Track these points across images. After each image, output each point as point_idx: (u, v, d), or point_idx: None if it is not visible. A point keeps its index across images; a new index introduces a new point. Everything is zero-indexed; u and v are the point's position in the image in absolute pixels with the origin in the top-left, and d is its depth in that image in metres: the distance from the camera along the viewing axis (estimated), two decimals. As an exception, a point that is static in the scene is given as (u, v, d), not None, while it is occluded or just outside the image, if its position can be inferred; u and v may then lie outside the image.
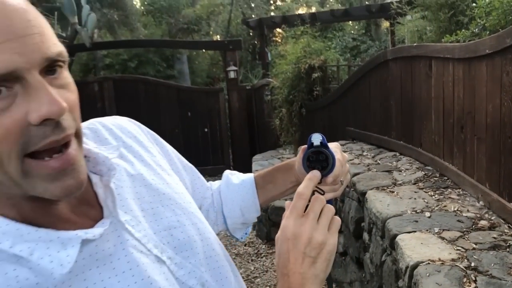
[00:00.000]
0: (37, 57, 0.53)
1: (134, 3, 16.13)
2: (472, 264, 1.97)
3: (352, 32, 15.95)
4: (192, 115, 8.71)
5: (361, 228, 3.23)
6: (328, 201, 0.77)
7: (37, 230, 0.58)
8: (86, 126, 0.79)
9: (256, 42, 13.63)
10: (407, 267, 2.08)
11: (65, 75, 0.59)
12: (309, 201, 0.73)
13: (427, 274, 1.94)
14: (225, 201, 1.04)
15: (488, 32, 3.03)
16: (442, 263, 2.01)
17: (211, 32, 15.05)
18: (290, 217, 0.71)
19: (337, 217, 0.73)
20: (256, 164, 6.54)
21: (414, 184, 3.13)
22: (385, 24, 13.23)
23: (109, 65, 12.66)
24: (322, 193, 0.78)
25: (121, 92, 8.63)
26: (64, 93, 0.57)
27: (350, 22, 15.31)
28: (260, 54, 10.49)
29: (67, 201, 0.63)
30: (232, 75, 8.64)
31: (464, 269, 1.94)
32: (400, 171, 3.47)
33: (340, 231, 3.74)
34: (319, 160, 0.80)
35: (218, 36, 15.27)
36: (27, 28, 0.53)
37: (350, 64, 5.76)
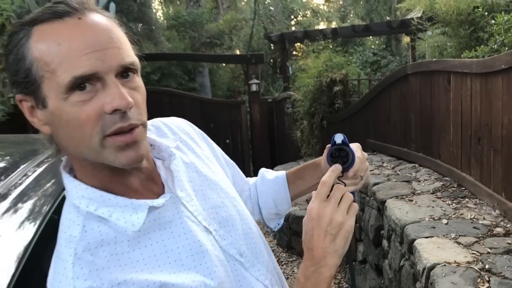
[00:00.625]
0: (114, 64, 0.71)
1: (158, 17, 16.59)
2: (486, 267, 2.09)
3: (373, 47, 16.08)
4: (214, 127, 8.94)
5: (380, 235, 3.35)
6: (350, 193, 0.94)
7: (115, 197, 0.76)
8: (151, 123, 0.97)
9: (277, 56, 13.87)
10: (424, 269, 2.21)
11: (136, 80, 0.77)
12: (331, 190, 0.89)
13: (443, 275, 2.07)
14: (261, 194, 1.21)
15: (506, 48, 3.16)
16: (457, 265, 2.14)
17: (233, 46, 15.34)
18: (315, 201, 0.86)
19: (355, 204, 0.88)
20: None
21: (433, 193, 3.25)
22: (406, 39, 13.33)
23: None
24: (344, 184, 0.94)
25: (147, 103, 8.90)
26: (133, 93, 0.75)
27: (371, 37, 15.44)
28: (281, 67, 10.71)
29: (137, 177, 0.81)
30: (254, 88, 8.86)
31: (479, 270, 2.07)
32: (419, 181, 3.59)
33: (360, 240, 3.86)
34: (341, 156, 0.95)
35: (238, 51, 15.56)
36: (109, 43, 0.72)
37: (371, 78, 5.92)
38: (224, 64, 14.61)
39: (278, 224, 1.29)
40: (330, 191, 0.88)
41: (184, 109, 8.80)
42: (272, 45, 13.72)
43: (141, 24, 13.67)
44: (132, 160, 0.75)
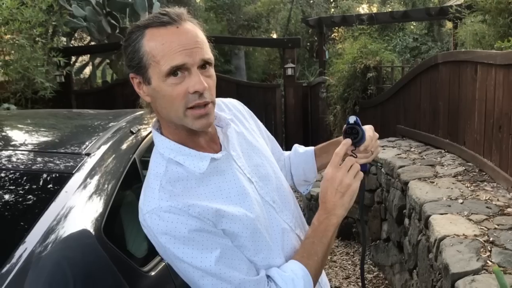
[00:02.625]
0: (198, 59, 1.08)
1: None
2: (491, 239, 2.39)
3: (414, 31, 15.91)
4: (249, 109, 9.28)
5: (402, 214, 3.66)
6: (363, 165, 1.28)
7: (189, 150, 1.14)
8: None
9: (314, 40, 14.03)
10: (435, 240, 2.53)
11: (211, 71, 1.13)
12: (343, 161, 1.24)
13: (451, 244, 2.38)
14: (293, 164, 1.59)
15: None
16: (465, 237, 2.44)
17: (270, 29, 15.59)
18: (330, 167, 1.21)
19: (361, 172, 1.22)
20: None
21: (454, 177, 3.52)
22: (448, 25, 13.20)
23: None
24: (355, 156, 1.28)
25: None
26: (208, 80, 1.10)
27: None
28: (318, 52, 10.92)
29: (204, 137, 1.18)
30: (289, 72, 9.14)
31: (483, 242, 2.37)
32: (443, 165, 3.86)
33: (384, 219, 4.18)
34: (353, 133, 1.27)
35: (275, 34, 15.78)
36: (195, 44, 1.08)
37: (404, 65, 6.12)
38: (260, 47, 14.89)
39: (307, 189, 1.66)
40: (343, 161, 1.23)
41: (220, 92, 8.94)
42: (309, 29, 13.88)
43: (180, 6, 14.07)
44: (203, 126, 1.12)
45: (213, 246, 1.06)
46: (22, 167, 1.48)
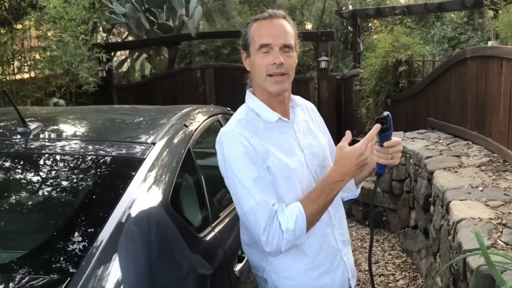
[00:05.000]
0: (280, 42, 1.58)
1: (232, -8, 17.33)
2: (503, 222, 2.68)
3: (455, 20, 15.72)
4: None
5: (428, 202, 3.95)
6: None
7: (266, 106, 1.64)
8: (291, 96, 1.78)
9: (349, 31, 14.19)
10: (453, 223, 2.83)
11: (291, 53, 1.60)
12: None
13: (466, 226, 2.69)
14: None
15: None
16: (480, 220, 2.74)
17: (304, 21, 15.82)
18: (363, 143, 1.55)
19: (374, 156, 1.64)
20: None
21: (478, 167, 3.79)
22: (490, 13, 13.06)
23: (204, 51, 13.97)
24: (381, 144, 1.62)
25: (220, 78, 9.81)
26: (286, 58, 1.58)
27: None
28: (352, 44, 11.12)
29: (279, 104, 1.66)
30: (323, 65, 9.42)
31: (496, 224, 2.66)
32: (468, 156, 4.12)
33: (412, 207, 4.51)
34: (383, 123, 1.58)
35: (309, 26, 15.99)
36: (281, 33, 1.60)
37: (435, 59, 6.33)
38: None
39: (346, 197, 1.97)
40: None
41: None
42: (344, 20, 14.05)
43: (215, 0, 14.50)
44: (277, 90, 1.61)
45: (255, 170, 1.53)
46: (103, 153, 1.90)
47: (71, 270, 1.32)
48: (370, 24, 14.56)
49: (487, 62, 4.23)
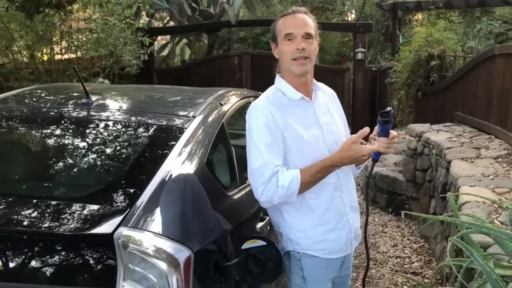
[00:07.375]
0: (302, 31, 1.96)
1: (273, -20, 17.60)
2: (504, 205, 2.99)
3: (505, 14, 15.38)
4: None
5: (445, 190, 4.25)
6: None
7: (291, 87, 2.04)
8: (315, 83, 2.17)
9: (389, 24, 14.26)
10: (459, 205, 3.16)
11: (312, 41, 1.98)
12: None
13: (470, 208, 3.01)
14: None
15: None
16: (483, 203, 3.06)
17: (345, 11, 15.97)
18: (366, 149, 1.92)
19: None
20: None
21: (494, 159, 4.06)
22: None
23: (243, 38, 14.36)
24: (379, 137, 1.97)
25: (256, 65, 10.22)
26: (307, 44, 1.96)
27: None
28: (391, 36, 11.27)
29: (303, 86, 2.04)
30: (359, 56, 9.67)
31: (497, 207, 2.98)
32: (488, 149, 4.39)
33: (432, 196, 4.84)
34: (386, 117, 1.91)
35: (350, 17, 16.11)
36: (302, 24, 1.99)
37: (466, 55, 6.53)
38: (333, 31, 15.32)
39: (354, 173, 2.31)
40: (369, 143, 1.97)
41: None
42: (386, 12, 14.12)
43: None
44: (301, 71, 1.98)
45: (270, 137, 1.91)
46: (154, 121, 2.35)
47: (129, 204, 1.77)
48: (412, 17, 14.57)
49: (512, 60, 4.47)
